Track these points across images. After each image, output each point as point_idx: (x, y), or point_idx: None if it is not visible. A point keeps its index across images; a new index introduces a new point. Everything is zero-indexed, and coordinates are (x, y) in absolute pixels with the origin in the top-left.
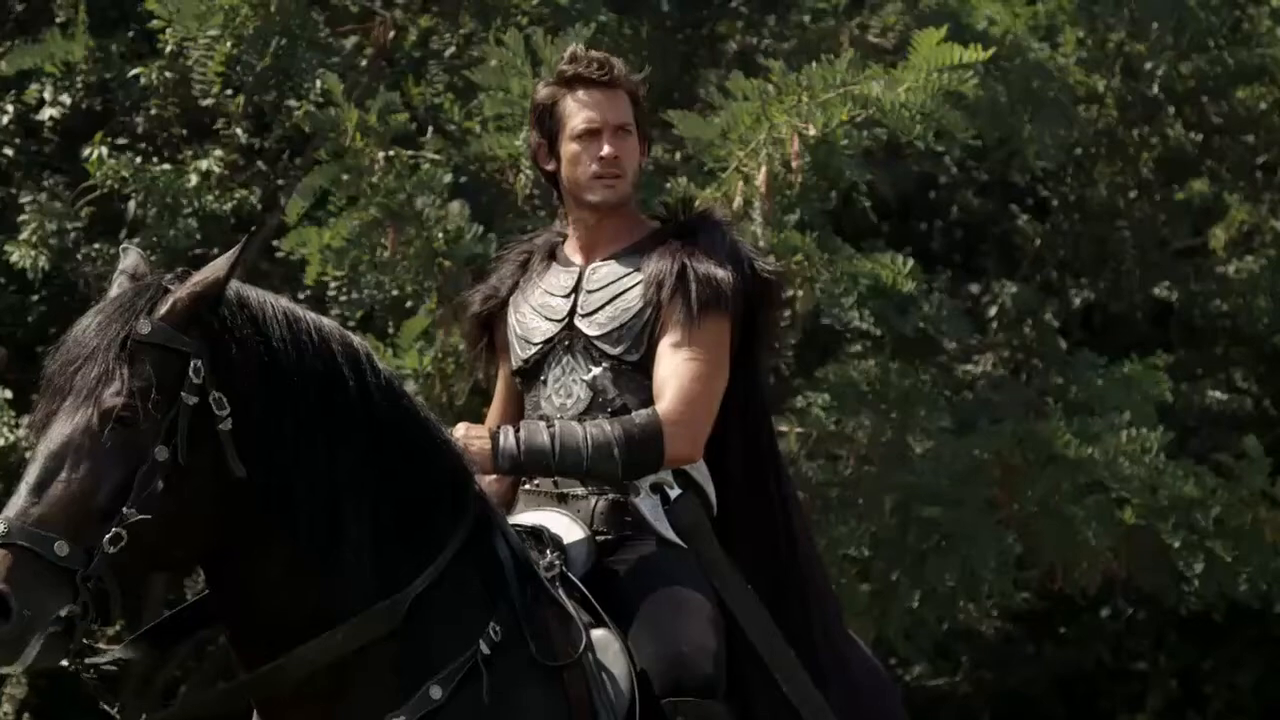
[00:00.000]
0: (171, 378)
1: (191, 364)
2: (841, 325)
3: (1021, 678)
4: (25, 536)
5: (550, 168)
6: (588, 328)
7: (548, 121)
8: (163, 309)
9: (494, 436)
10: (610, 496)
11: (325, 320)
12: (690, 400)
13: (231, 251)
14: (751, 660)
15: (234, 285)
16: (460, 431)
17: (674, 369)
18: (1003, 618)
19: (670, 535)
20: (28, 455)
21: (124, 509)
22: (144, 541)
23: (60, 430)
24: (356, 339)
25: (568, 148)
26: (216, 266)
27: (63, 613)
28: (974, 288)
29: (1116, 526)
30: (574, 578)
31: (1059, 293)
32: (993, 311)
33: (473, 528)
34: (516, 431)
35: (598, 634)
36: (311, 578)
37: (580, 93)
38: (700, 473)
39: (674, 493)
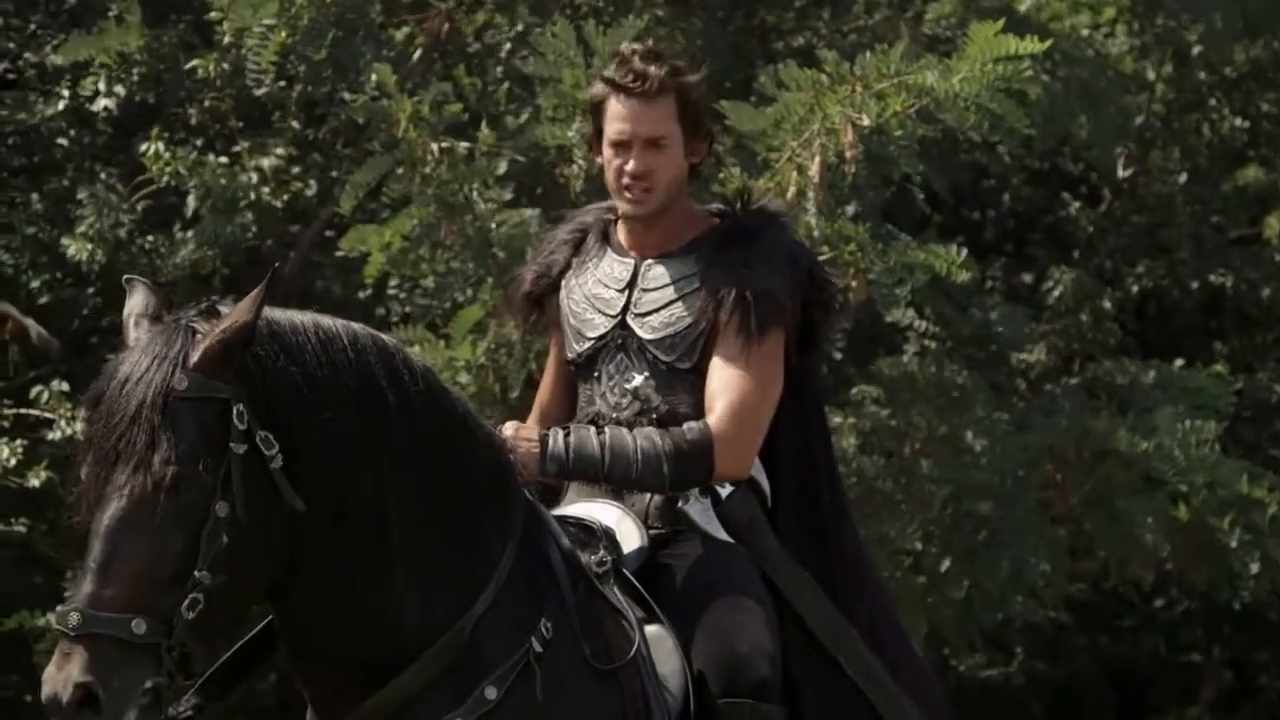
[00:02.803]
0: (217, 429)
1: (234, 410)
2: (899, 325)
3: (1075, 669)
4: (101, 624)
5: (601, 160)
6: (641, 329)
7: (597, 117)
8: (195, 357)
9: (543, 440)
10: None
11: (357, 328)
12: (741, 417)
13: (256, 291)
14: (801, 658)
15: (263, 313)
16: (509, 431)
17: (727, 383)
18: (1056, 609)
19: (721, 535)
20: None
21: (195, 573)
22: (220, 596)
23: (116, 505)
24: (390, 341)
25: (605, 151)
26: (243, 308)
27: (149, 684)
28: (1026, 277)
29: (1171, 523)
30: (626, 572)
31: (1112, 281)
32: (1050, 299)
33: (522, 528)
34: (566, 436)
35: (651, 630)
36: (366, 599)
37: (621, 99)
38: (754, 466)
39: (725, 491)
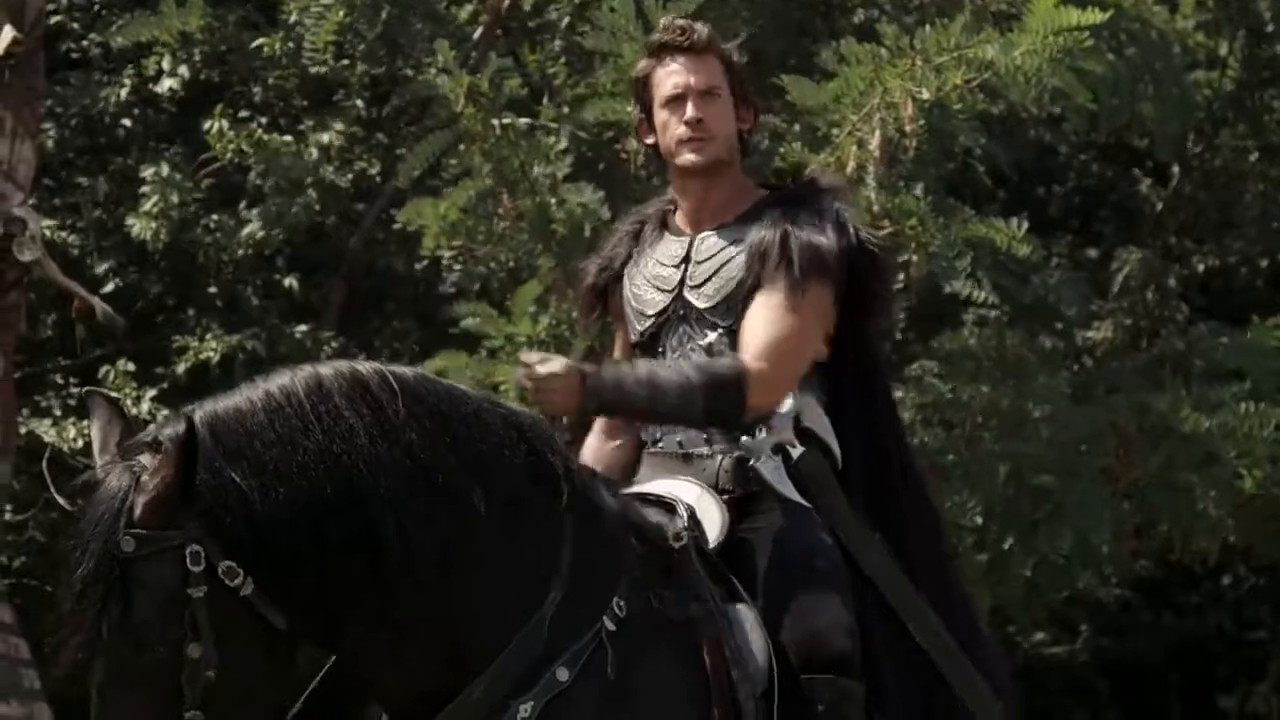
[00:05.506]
0: (174, 578)
1: (187, 553)
2: (960, 294)
3: (1140, 646)
4: None
5: (651, 141)
6: (697, 300)
7: (643, 93)
8: (139, 511)
9: (582, 376)
10: (735, 454)
11: (325, 374)
12: (775, 353)
13: (178, 442)
14: (877, 622)
15: (201, 416)
16: (538, 366)
17: (764, 321)
18: (1122, 586)
19: (794, 496)
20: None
21: (186, 715)
22: None
23: (99, 664)
24: (368, 371)
25: (659, 116)
26: (169, 463)
27: None
28: (1092, 253)
29: (1235, 495)
30: (708, 550)
31: (1179, 258)
32: (1119, 278)
33: (578, 511)
34: (603, 372)
35: (734, 608)
36: (405, 656)
37: (668, 60)
38: (822, 427)
39: (797, 451)
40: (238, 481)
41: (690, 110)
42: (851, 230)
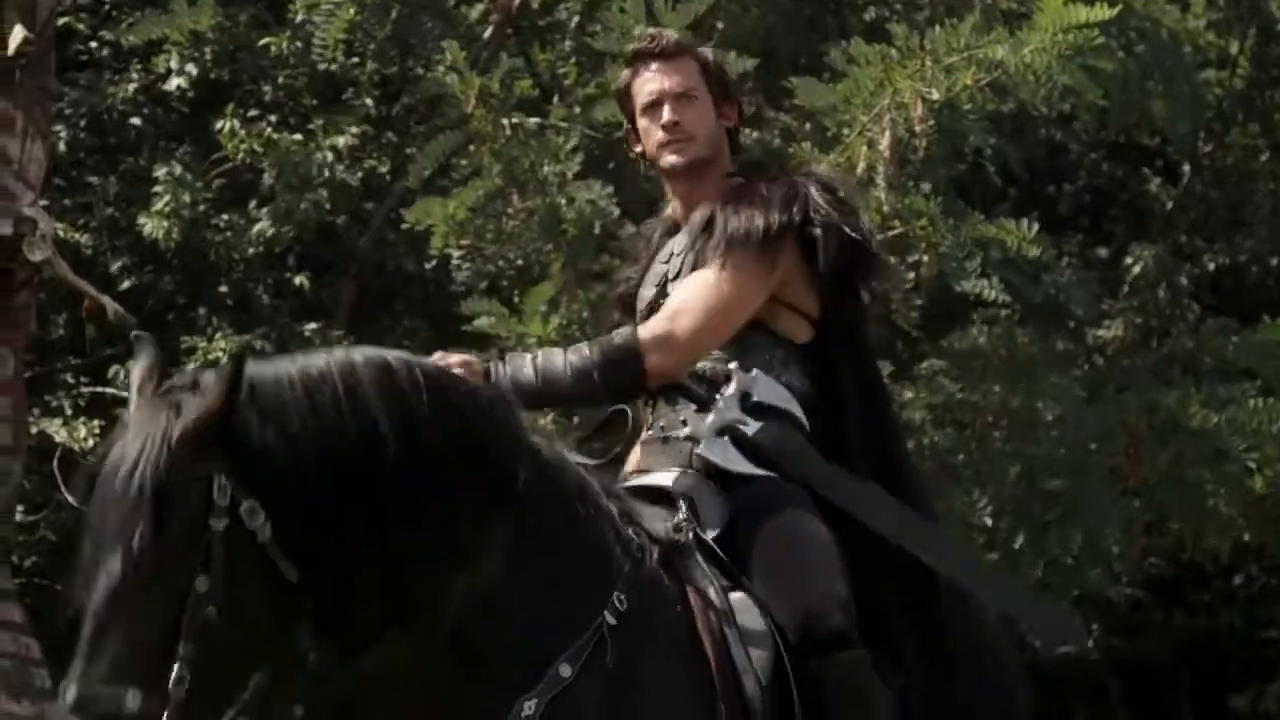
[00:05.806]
0: (197, 507)
1: (215, 485)
2: (971, 294)
3: (1151, 645)
4: (93, 700)
5: (639, 149)
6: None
7: (626, 104)
8: (174, 439)
9: (485, 373)
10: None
11: (356, 359)
12: (675, 317)
13: (225, 374)
14: (882, 573)
15: (247, 371)
16: (439, 363)
17: (677, 293)
18: (1133, 585)
19: (754, 471)
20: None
21: (180, 647)
22: (214, 671)
23: (101, 584)
24: (396, 359)
25: (640, 123)
26: (215, 391)
27: None
28: (1102, 251)
29: (1246, 494)
30: (708, 539)
31: (1190, 257)
32: (1130, 276)
33: (579, 508)
34: (504, 364)
35: (735, 596)
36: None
37: (643, 69)
38: (778, 397)
39: (751, 429)
40: (268, 439)
41: (666, 114)
42: (796, 209)
